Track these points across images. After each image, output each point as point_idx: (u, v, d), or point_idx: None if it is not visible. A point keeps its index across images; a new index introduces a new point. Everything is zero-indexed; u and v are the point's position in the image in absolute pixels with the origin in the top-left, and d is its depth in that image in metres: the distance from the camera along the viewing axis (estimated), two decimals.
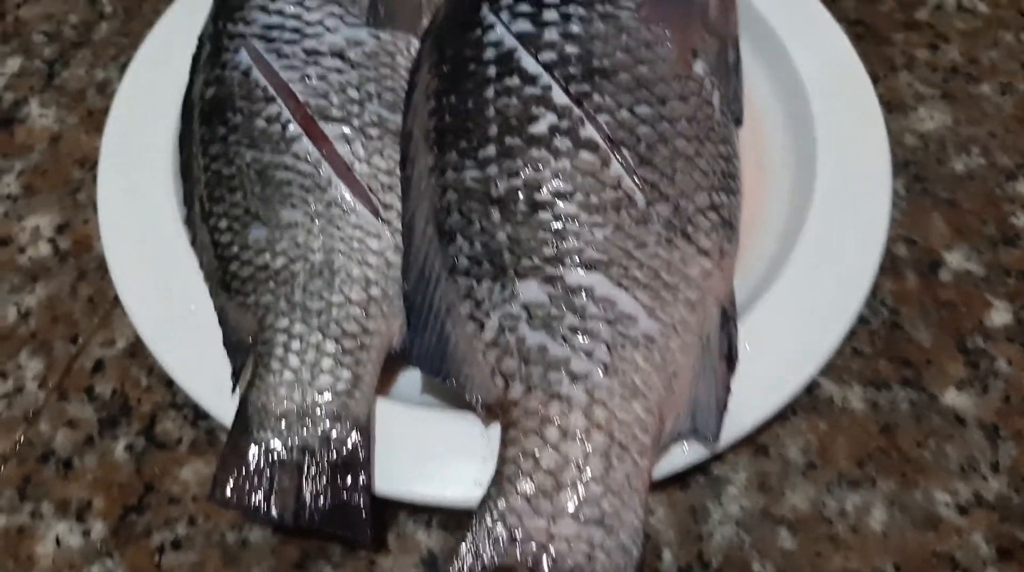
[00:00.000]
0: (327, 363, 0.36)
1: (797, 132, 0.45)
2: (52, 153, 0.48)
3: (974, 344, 0.41)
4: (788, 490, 0.38)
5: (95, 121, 0.49)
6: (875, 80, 0.46)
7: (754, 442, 0.39)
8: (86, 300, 0.43)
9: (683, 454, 0.36)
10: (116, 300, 0.43)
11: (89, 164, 0.47)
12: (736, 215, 0.39)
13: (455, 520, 0.37)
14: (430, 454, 0.36)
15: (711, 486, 0.38)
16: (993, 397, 0.40)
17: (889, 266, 0.43)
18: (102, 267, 0.44)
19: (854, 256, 0.40)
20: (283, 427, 0.35)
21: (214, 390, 0.37)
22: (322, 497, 0.34)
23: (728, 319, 0.37)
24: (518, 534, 0.32)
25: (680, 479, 0.38)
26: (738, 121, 0.42)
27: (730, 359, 0.36)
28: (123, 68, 0.50)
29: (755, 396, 0.37)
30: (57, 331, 0.42)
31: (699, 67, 0.40)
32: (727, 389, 0.36)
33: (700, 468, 0.38)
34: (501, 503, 0.32)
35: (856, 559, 0.36)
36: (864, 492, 0.38)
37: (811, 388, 0.40)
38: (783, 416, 0.39)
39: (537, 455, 0.33)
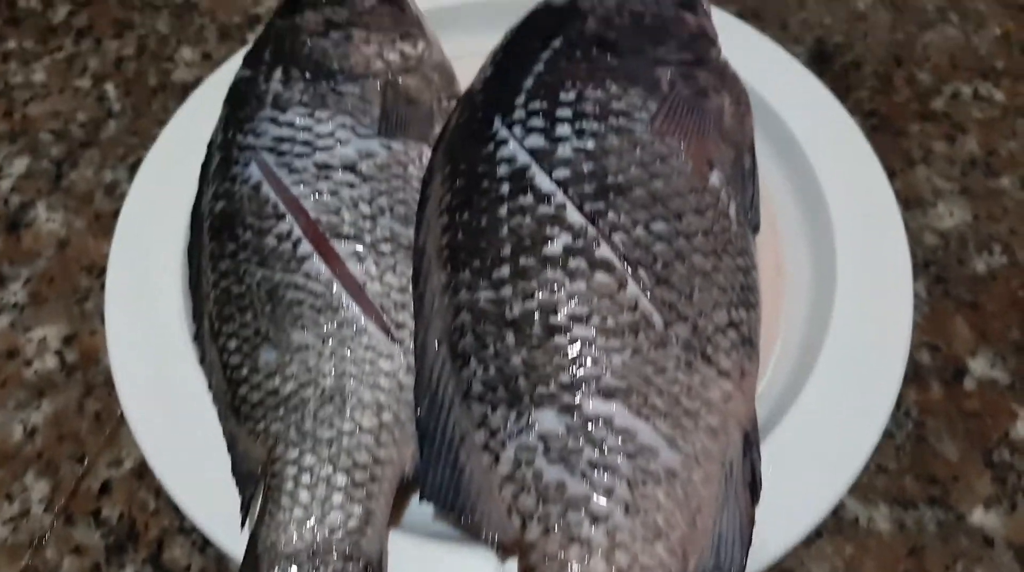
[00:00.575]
0: (338, 498, 0.35)
1: (815, 233, 0.45)
2: (59, 259, 0.47)
3: (1000, 457, 0.40)
4: None
5: (103, 225, 0.48)
6: (892, 174, 0.45)
7: (779, 567, 0.38)
8: (93, 417, 0.42)
9: None
10: (123, 417, 0.42)
11: (97, 271, 0.47)
12: (756, 331, 0.38)
13: None
14: None
15: None
16: (1021, 515, 0.39)
17: (912, 375, 0.42)
18: (109, 381, 0.43)
19: (878, 367, 0.39)
20: (294, 569, 0.34)
21: (223, 521, 0.36)
22: None
23: (751, 444, 0.36)
24: None
25: None
26: (755, 229, 0.41)
27: (754, 488, 0.35)
28: (132, 168, 0.50)
29: (780, 522, 0.36)
30: (64, 450, 0.41)
31: (715, 178, 0.39)
32: (751, 521, 0.34)
33: None
34: None
35: None
36: None
37: (836, 508, 0.39)
38: (807, 539, 0.38)
39: None
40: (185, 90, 0.50)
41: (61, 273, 0.47)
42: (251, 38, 0.55)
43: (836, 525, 0.39)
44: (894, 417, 0.41)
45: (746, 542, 0.34)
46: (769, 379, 0.41)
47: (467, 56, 0.47)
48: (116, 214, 0.44)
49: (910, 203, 0.47)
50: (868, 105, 0.51)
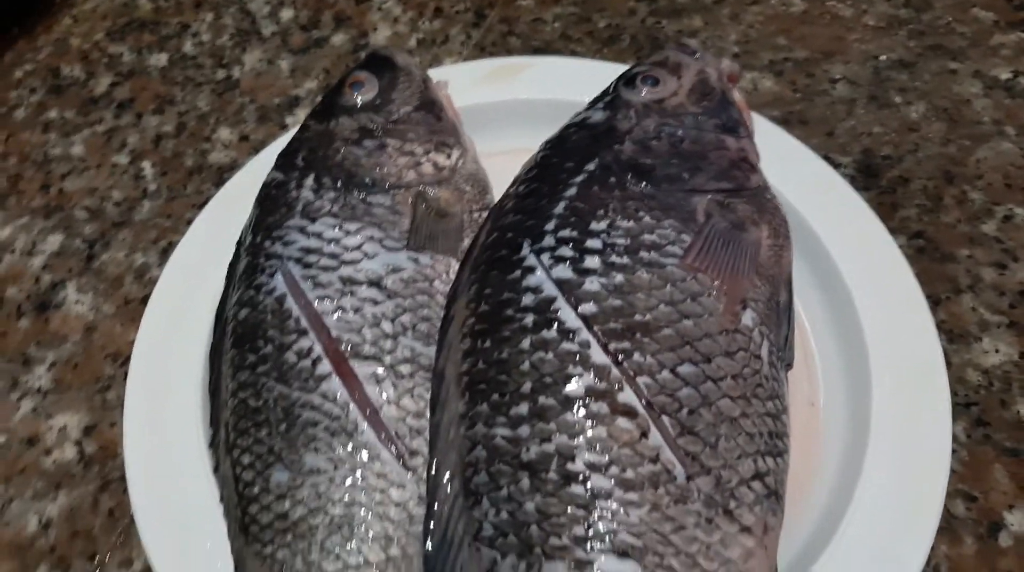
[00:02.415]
0: None
1: (851, 366, 0.43)
2: (85, 344, 0.47)
3: None
4: None
5: (130, 312, 0.48)
6: (936, 302, 0.44)
7: None
8: (107, 514, 0.42)
9: None
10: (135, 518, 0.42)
11: (121, 359, 0.47)
12: (783, 481, 0.37)
13: None
14: None
15: None
16: None
17: (946, 526, 0.40)
18: (125, 478, 0.43)
19: (911, 518, 0.38)
20: None
21: None
22: None
23: None
24: None
25: None
26: (789, 366, 0.40)
27: None
28: (163, 253, 0.50)
29: None
30: (76, 547, 0.41)
31: (748, 317, 0.38)
32: None
33: None
34: None
35: None
36: None
37: None
38: None
39: None
40: (221, 172, 0.50)
41: (86, 359, 0.47)
42: (290, 121, 0.55)
43: None
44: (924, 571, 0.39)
45: None
46: (798, 517, 0.39)
47: (502, 154, 0.47)
48: (144, 300, 0.44)
49: (954, 336, 0.46)
50: (915, 225, 0.49)
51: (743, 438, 0.36)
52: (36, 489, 0.43)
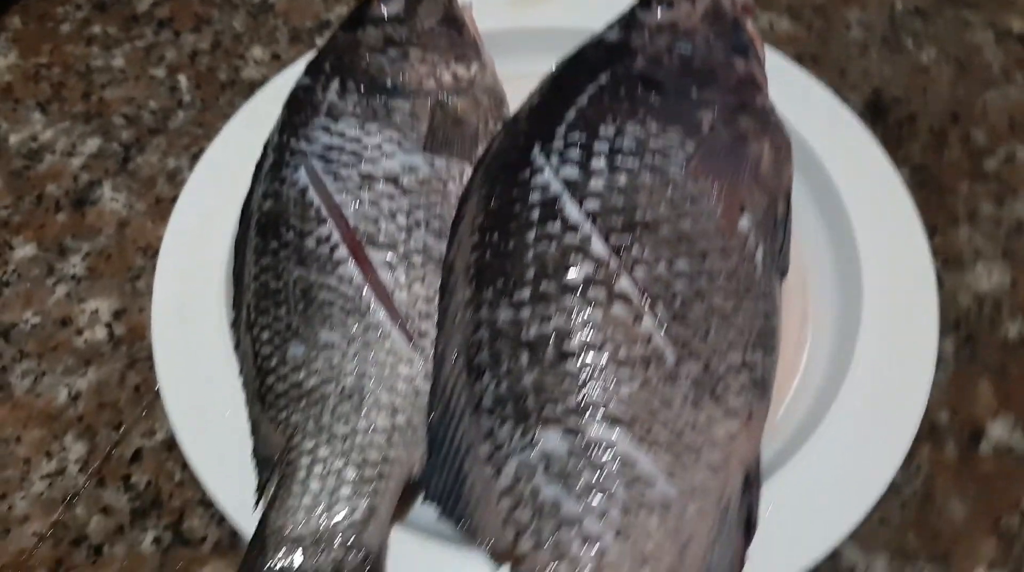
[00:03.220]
0: (346, 491, 0.37)
1: (845, 282, 0.45)
2: (118, 238, 0.50)
3: (1008, 526, 0.40)
4: None
5: (161, 210, 0.51)
6: (933, 232, 0.45)
7: None
8: (133, 389, 0.45)
9: None
10: (160, 392, 0.45)
11: (151, 252, 0.50)
12: (770, 374, 0.39)
13: None
14: None
15: None
16: None
17: (928, 433, 0.42)
18: (151, 358, 0.46)
19: (891, 422, 0.39)
20: (296, 553, 0.36)
21: (238, 500, 0.38)
22: None
23: (750, 485, 0.37)
24: None
25: None
26: (783, 273, 0.41)
27: (748, 528, 0.36)
28: (194, 158, 0.53)
29: (775, 561, 0.36)
30: (103, 417, 0.44)
31: (744, 222, 0.40)
32: (742, 562, 0.35)
33: None
34: None
35: None
36: None
37: (834, 555, 0.39)
38: None
39: None
40: (252, 87, 0.53)
41: (118, 251, 0.50)
42: (319, 42, 0.57)
43: (833, 571, 0.39)
44: (904, 471, 0.41)
45: None
46: (781, 419, 0.41)
47: (520, 78, 0.49)
48: (175, 200, 0.47)
49: (949, 262, 0.47)
50: (918, 159, 0.51)
51: (733, 332, 0.38)
52: (67, 365, 0.46)
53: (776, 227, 0.42)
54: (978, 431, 0.42)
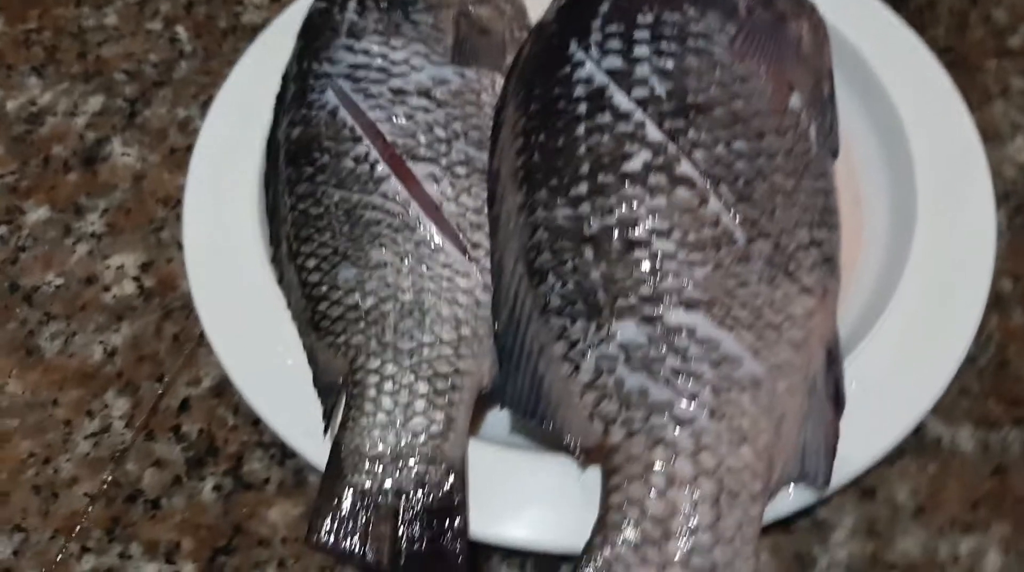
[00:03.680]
0: (420, 405, 0.35)
1: (893, 164, 0.44)
2: (135, 191, 0.48)
3: None
4: (898, 535, 0.36)
5: (177, 160, 0.49)
6: (969, 109, 0.44)
7: (860, 485, 0.37)
8: (171, 339, 0.43)
9: (789, 498, 0.34)
10: (201, 339, 0.43)
11: (172, 203, 0.47)
12: (837, 251, 0.38)
13: (549, 565, 0.36)
14: (525, 497, 0.35)
15: (816, 531, 0.37)
16: None
17: (994, 302, 0.41)
18: (187, 306, 0.44)
19: (960, 293, 0.39)
20: (377, 470, 0.34)
21: (303, 432, 0.37)
22: (418, 542, 0.33)
23: (834, 360, 0.36)
24: None
25: (784, 523, 0.37)
26: (834, 154, 0.41)
27: (838, 401, 0.35)
28: (204, 106, 0.51)
29: (863, 438, 0.35)
30: (143, 370, 0.42)
31: (795, 100, 0.39)
32: (836, 433, 0.34)
33: (804, 512, 0.37)
34: (607, 551, 0.31)
35: None
36: (978, 536, 0.36)
37: (918, 428, 0.38)
38: (890, 458, 0.37)
39: (643, 503, 0.32)
40: (255, 32, 0.50)
41: (137, 205, 0.47)
42: None
43: (919, 445, 0.38)
44: (976, 342, 0.40)
45: (831, 453, 0.34)
46: (849, 303, 0.40)
47: None
48: (190, 149, 0.45)
49: (988, 137, 0.46)
50: (943, 42, 0.50)
51: (797, 210, 0.37)
52: (98, 322, 0.44)
53: (824, 106, 0.41)
54: None
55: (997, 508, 0.36)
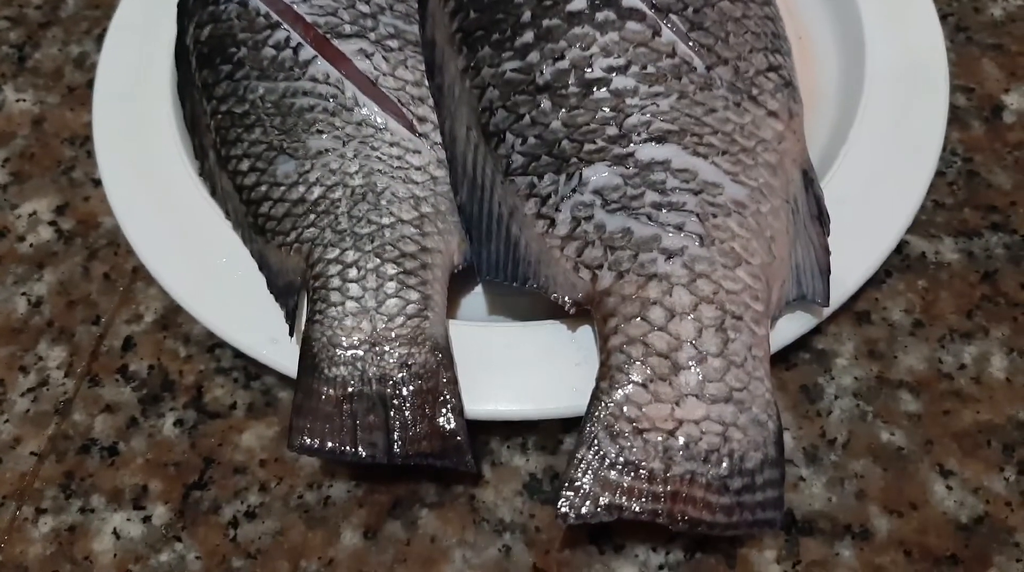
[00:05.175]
0: (391, 286, 0.32)
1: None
2: (37, 135, 0.43)
3: None
4: (900, 353, 0.35)
5: (78, 97, 0.45)
6: None
7: (853, 310, 0.36)
8: (102, 278, 0.39)
9: (789, 326, 0.33)
10: (135, 274, 0.39)
11: (79, 140, 0.43)
12: (795, 75, 0.36)
13: (552, 438, 0.34)
14: (517, 368, 0.33)
15: (818, 361, 0.35)
16: None
17: (952, 117, 0.41)
18: (113, 242, 0.40)
19: (921, 105, 0.38)
20: (356, 359, 0.31)
21: (268, 340, 0.33)
22: (413, 428, 0.31)
23: (811, 180, 0.34)
24: (641, 424, 0.29)
25: (783, 359, 0.35)
26: None
27: (822, 220, 0.33)
28: (99, 40, 0.46)
29: (850, 257, 0.34)
30: (76, 315, 0.38)
31: None
32: (827, 250, 0.33)
33: (802, 344, 0.35)
34: (616, 395, 0.29)
35: (987, 411, 0.34)
36: (979, 342, 0.35)
37: (901, 246, 0.37)
38: (878, 279, 0.37)
39: (646, 340, 0.30)
40: None
41: (41, 148, 0.43)
42: None
43: (904, 263, 0.37)
44: (941, 158, 0.39)
45: (825, 270, 0.33)
46: (811, 132, 0.39)
47: None
48: (90, 85, 0.41)
49: None
50: None
51: (750, 36, 0.35)
52: (17, 274, 0.39)
53: None
54: (997, 105, 0.41)
55: (993, 313, 0.36)
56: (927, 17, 0.40)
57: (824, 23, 0.43)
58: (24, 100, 0.45)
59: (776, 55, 0.35)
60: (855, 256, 0.34)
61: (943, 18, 0.44)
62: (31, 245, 0.40)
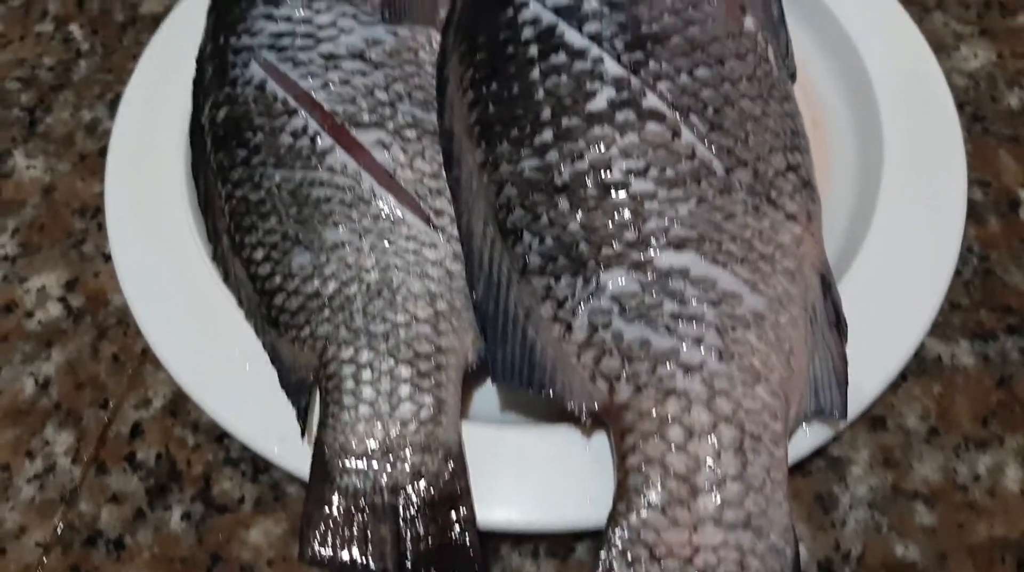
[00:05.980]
0: (405, 390, 0.32)
1: (848, 83, 0.43)
2: (47, 205, 0.43)
3: None
4: (915, 461, 0.35)
5: (89, 165, 0.44)
6: None
7: (869, 416, 0.36)
8: (111, 359, 0.39)
9: (806, 437, 0.33)
10: (144, 355, 0.39)
11: (90, 212, 0.43)
12: (813, 174, 0.36)
13: (564, 545, 0.34)
14: (529, 475, 0.32)
15: (833, 469, 0.35)
16: None
17: (969, 211, 0.40)
18: (123, 321, 0.40)
19: (939, 205, 0.38)
20: (368, 467, 0.31)
21: (277, 438, 0.33)
22: (424, 540, 0.30)
23: (829, 286, 0.34)
24: (658, 551, 0.28)
25: (799, 466, 0.35)
26: (792, 76, 0.39)
27: (840, 328, 0.33)
28: (111, 105, 0.46)
29: (868, 364, 0.34)
30: (84, 397, 0.38)
31: (749, 23, 0.37)
32: (844, 360, 0.32)
33: (817, 450, 0.35)
34: (633, 518, 0.29)
35: (1001, 524, 0.33)
36: (993, 452, 0.35)
37: (917, 349, 0.37)
38: (894, 383, 0.36)
39: (664, 461, 0.29)
40: (156, 21, 0.46)
41: (51, 219, 0.43)
42: None
43: (920, 366, 0.37)
44: (958, 255, 0.39)
45: (843, 382, 0.32)
46: (829, 227, 0.39)
47: None
48: (102, 153, 0.41)
49: (933, 49, 0.46)
50: None
51: (769, 134, 0.35)
52: (24, 352, 0.39)
53: (777, 27, 0.39)
54: (1014, 200, 0.41)
55: (1008, 420, 0.36)
56: (945, 110, 0.40)
57: (841, 110, 0.43)
58: (34, 167, 0.44)
59: (795, 153, 0.35)
60: (873, 363, 0.34)
61: (960, 107, 0.44)
62: (39, 321, 0.40)
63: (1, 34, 0.49)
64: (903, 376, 0.37)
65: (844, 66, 0.43)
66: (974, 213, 0.41)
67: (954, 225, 0.37)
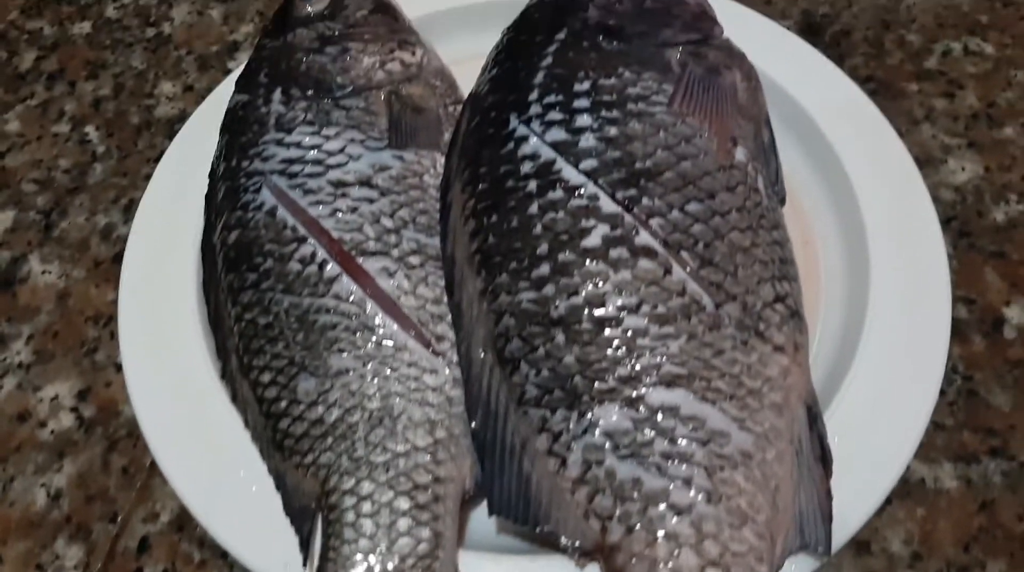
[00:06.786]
0: (403, 524, 0.33)
1: (838, 202, 0.44)
2: (61, 311, 0.45)
3: None
4: None
5: (103, 272, 0.46)
6: (898, 135, 0.45)
7: (854, 540, 0.37)
8: (120, 472, 0.40)
9: (791, 570, 0.34)
10: (152, 468, 0.40)
11: (103, 320, 0.44)
12: (800, 303, 0.37)
13: None
14: None
15: None
16: None
17: (953, 329, 0.42)
18: (133, 433, 0.41)
19: (924, 327, 0.39)
20: None
21: (280, 563, 0.34)
22: None
23: (815, 417, 0.35)
24: None
25: None
26: (782, 201, 0.40)
27: (825, 461, 0.34)
28: (126, 210, 0.48)
29: (854, 494, 0.35)
30: (94, 511, 0.39)
31: (740, 154, 0.38)
32: (829, 495, 0.34)
33: None
34: None
35: None
36: None
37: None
38: (878, 507, 0.37)
39: None
40: (171, 125, 0.48)
41: (65, 326, 0.44)
42: (232, 66, 0.53)
43: (904, 489, 0.38)
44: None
45: (827, 517, 0.34)
46: (816, 353, 0.40)
47: (463, 60, 0.46)
48: (116, 259, 0.42)
49: (921, 162, 0.47)
50: (864, 71, 0.51)
51: (758, 266, 0.36)
52: (37, 463, 0.40)
53: (767, 154, 0.41)
54: (999, 319, 0.43)
55: (990, 546, 0.37)
56: (930, 230, 0.41)
57: (832, 231, 0.44)
58: (49, 272, 0.46)
59: (783, 283, 0.36)
60: (859, 491, 0.35)
61: (947, 222, 0.46)
62: (52, 432, 0.41)
63: (19, 134, 0.51)
64: (888, 499, 0.38)
65: (834, 186, 0.44)
66: (959, 331, 0.42)
67: (938, 349, 0.38)
